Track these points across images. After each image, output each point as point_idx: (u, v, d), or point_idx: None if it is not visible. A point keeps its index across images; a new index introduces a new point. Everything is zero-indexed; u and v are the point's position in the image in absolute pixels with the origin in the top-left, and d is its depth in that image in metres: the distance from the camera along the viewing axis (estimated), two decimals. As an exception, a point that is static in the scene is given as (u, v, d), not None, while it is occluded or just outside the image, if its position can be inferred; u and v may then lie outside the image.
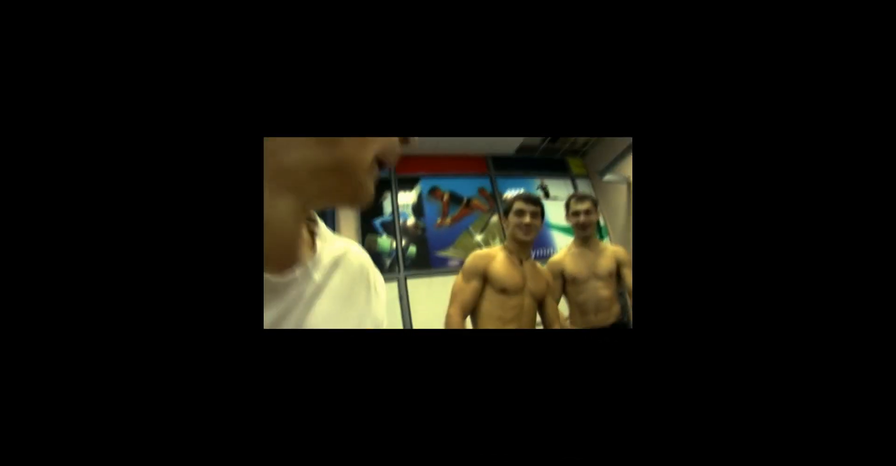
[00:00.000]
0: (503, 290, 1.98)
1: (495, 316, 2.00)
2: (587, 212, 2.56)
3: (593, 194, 6.15)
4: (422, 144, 5.13)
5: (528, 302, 2.07)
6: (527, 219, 2.08)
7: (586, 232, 2.58)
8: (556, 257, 2.70)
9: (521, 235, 2.11)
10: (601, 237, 5.93)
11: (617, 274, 2.61)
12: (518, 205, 2.10)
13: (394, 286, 4.36)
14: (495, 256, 2.08)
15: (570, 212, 2.76)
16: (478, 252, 2.12)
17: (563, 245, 5.54)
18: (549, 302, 2.26)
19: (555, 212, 5.72)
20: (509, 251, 2.14)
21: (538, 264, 2.30)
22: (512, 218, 2.11)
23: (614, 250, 2.71)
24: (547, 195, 5.88)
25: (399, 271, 4.51)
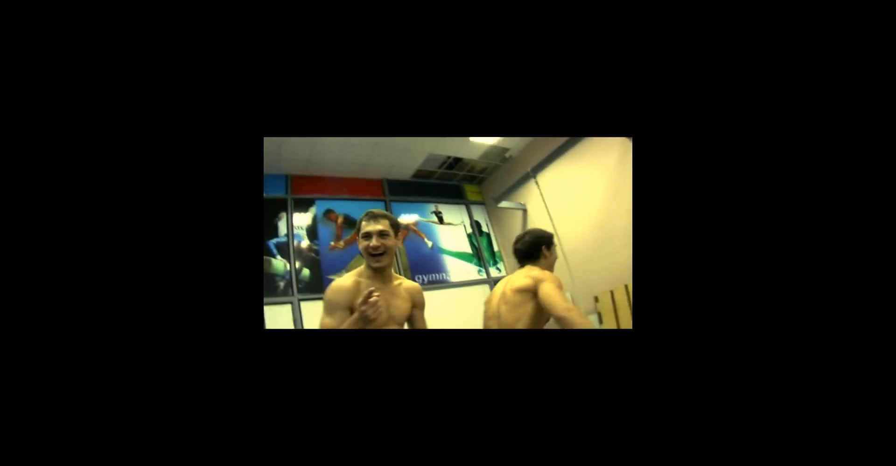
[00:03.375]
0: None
1: None
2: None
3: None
4: (321, 166, 5.28)
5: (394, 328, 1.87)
6: (373, 240, 1.83)
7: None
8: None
9: (371, 262, 1.91)
10: (494, 262, 6.31)
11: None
12: (364, 227, 1.86)
13: (288, 309, 4.45)
14: (353, 288, 1.82)
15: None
16: (335, 285, 1.86)
17: (457, 269, 5.88)
18: (417, 315, 2.14)
19: (449, 238, 6.06)
20: (368, 277, 1.90)
21: (400, 285, 2.07)
22: (360, 241, 1.87)
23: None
24: (441, 221, 6.20)
25: (293, 294, 4.60)
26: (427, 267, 5.75)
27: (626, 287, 4.78)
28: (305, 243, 5.02)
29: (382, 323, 1.84)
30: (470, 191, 6.74)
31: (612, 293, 4.94)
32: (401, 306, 2.02)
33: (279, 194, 5.11)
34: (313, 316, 4.56)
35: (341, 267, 5.14)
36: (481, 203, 6.72)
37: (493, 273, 6.19)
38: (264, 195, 5.00)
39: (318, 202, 5.35)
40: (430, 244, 5.95)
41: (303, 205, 5.22)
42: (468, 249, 6.27)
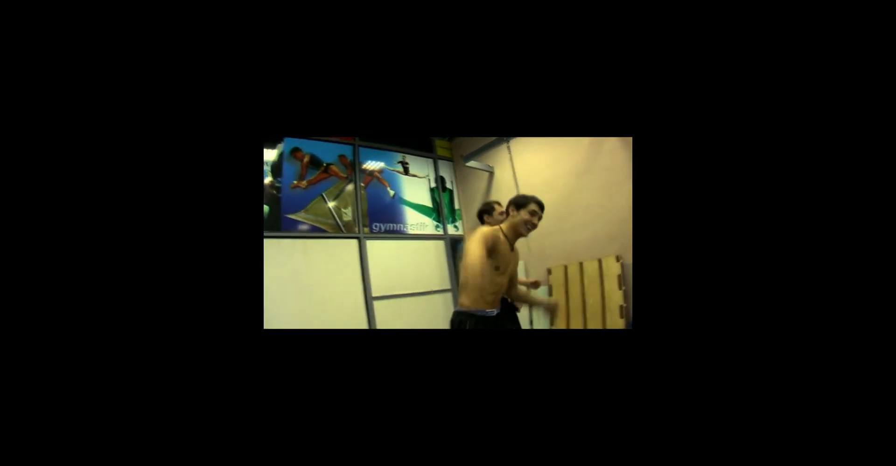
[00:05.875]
0: (496, 266, 2.35)
1: (482, 285, 2.31)
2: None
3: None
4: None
5: (505, 279, 2.47)
6: (536, 220, 2.45)
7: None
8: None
9: (524, 231, 2.47)
10: (453, 220, 6.44)
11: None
12: (533, 207, 2.45)
13: (243, 245, 4.46)
14: (502, 238, 2.43)
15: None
16: (487, 229, 2.41)
17: (415, 222, 5.98)
18: (515, 282, 2.66)
19: (412, 189, 6.13)
20: (507, 237, 2.48)
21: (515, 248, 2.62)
22: (524, 214, 2.44)
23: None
24: (406, 171, 6.24)
25: (250, 230, 4.61)
26: (386, 216, 5.83)
27: (581, 264, 4.98)
28: (268, 179, 5.01)
29: (505, 269, 2.47)
30: (440, 145, 6.77)
31: (565, 267, 5.13)
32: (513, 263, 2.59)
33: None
34: (268, 253, 4.61)
35: (301, 207, 5.17)
36: (449, 159, 6.77)
37: (450, 230, 6.34)
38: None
39: (286, 139, 5.32)
40: (391, 193, 6.01)
41: (270, 141, 5.18)
42: (429, 203, 6.37)
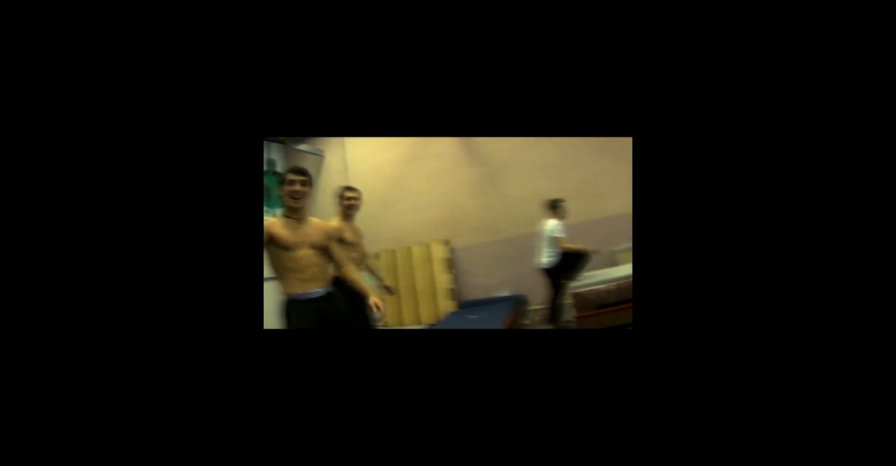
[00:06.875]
0: (286, 248, 2.35)
1: (289, 269, 2.37)
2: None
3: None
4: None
5: (309, 252, 2.44)
6: (297, 187, 2.44)
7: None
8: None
9: (293, 203, 2.45)
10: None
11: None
12: (289, 178, 2.46)
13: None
14: (275, 223, 2.41)
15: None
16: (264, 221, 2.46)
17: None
18: (333, 247, 2.63)
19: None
20: (286, 216, 2.47)
21: (315, 220, 2.62)
22: (285, 187, 2.45)
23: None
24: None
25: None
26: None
27: (410, 249, 5.14)
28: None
29: (298, 245, 2.43)
30: (270, 127, 6.60)
31: (394, 251, 5.27)
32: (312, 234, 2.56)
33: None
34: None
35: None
36: (281, 142, 6.65)
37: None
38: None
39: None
40: (219, 176, 5.79)
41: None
42: (258, 187, 6.21)
